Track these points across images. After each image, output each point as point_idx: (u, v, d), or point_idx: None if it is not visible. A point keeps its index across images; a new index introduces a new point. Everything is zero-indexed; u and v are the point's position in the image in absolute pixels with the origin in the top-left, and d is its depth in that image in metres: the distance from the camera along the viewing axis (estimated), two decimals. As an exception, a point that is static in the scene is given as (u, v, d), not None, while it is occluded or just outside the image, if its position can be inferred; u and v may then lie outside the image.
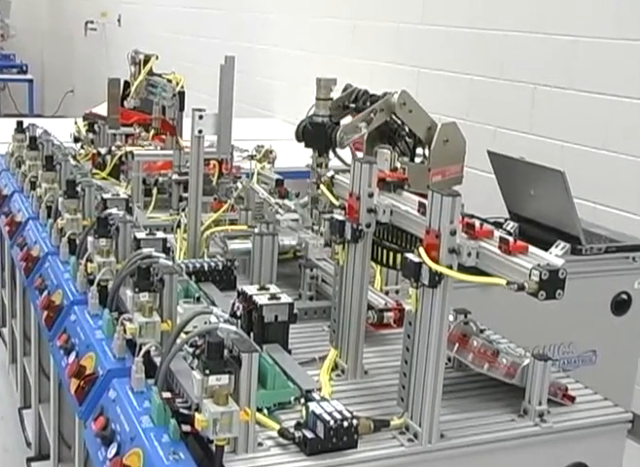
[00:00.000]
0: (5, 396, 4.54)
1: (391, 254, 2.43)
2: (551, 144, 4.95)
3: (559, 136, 4.92)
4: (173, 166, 4.12)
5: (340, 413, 2.05)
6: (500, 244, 2.02)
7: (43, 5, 14.11)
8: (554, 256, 2.01)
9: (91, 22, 12.71)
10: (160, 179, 4.15)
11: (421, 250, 2.05)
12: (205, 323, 2.18)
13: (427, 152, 3.27)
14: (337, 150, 3.29)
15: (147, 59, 4.61)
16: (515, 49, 5.25)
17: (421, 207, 2.22)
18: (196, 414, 1.91)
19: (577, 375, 2.67)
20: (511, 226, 3.92)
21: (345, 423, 2.02)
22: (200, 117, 3.25)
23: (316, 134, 3.23)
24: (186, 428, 2.01)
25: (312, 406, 2.07)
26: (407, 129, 3.35)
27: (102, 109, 5.10)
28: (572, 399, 2.38)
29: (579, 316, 3.69)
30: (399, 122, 3.30)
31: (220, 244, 3.23)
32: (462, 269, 2.03)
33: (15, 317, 4.37)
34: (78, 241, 3.18)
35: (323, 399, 2.18)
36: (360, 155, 3.26)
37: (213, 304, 2.71)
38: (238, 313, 2.51)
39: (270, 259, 2.99)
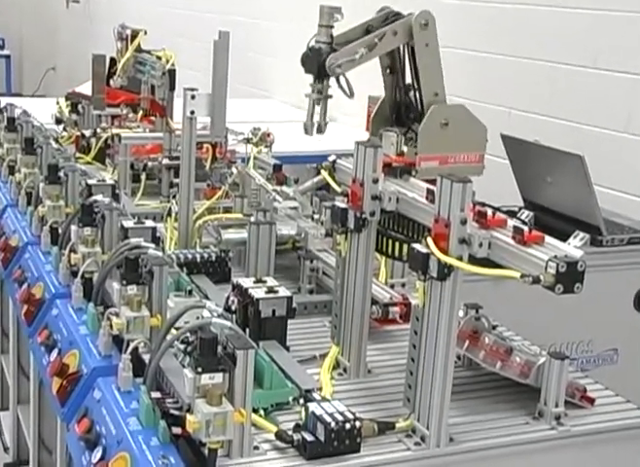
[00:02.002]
0: (-19, 397, 4.55)
1: (397, 244, 2.44)
2: (570, 126, 4.96)
3: (578, 118, 4.93)
4: (163, 150, 4.13)
5: (342, 414, 2.06)
6: (514, 234, 2.03)
7: (21, -25, 14.11)
8: (573, 247, 2.01)
9: (74, -6, 12.71)
10: (150, 164, 4.16)
11: (429, 240, 2.06)
12: (198, 318, 2.19)
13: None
14: (341, 79, 3.31)
15: (135, 35, 4.60)
16: (531, 24, 5.25)
17: (429, 194, 2.23)
18: (188, 416, 1.92)
19: (596, 375, 2.68)
20: (525, 215, 3.93)
21: (347, 425, 2.03)
22: (192, 97, 3.26)
23: (312, 60, 3.27)
24: (176, 430, 2.02)
25: (312, 406, 2.08)
26: (416, 100, 3.35)
27: (86, 88, 5.10)
28: (591, 401, 2.39)
29: (599, 312, 3.70)
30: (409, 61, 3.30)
31: (213, 234, 3.24)
32: (473, 260, 2.04)
33: (-9, 312, 4.38)
34: (60, 230, 3.18)
35: (324, 399, 2.19)
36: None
37: (206, 297, 2.72)
38: (233, 308, 2.52)
39: (267, 249, 3.00)
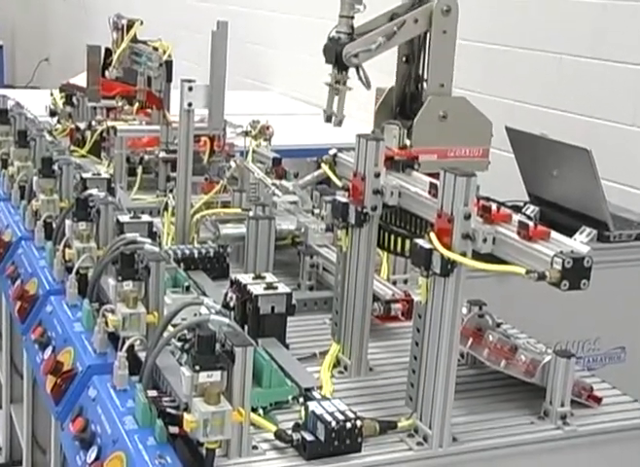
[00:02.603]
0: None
1: (399, 240, 2.44)
2: (577, 119, 4.95)
3: (586, 111, 4.92)
4: (160, 143, 4.13)
5: (343, 413, 2.06)
6: (519, 229, 2.03)
7: (13, -38, 14.08)
8: (579, 243, 2.01)
9: (69, -17, 12.69)
10: (146, 157, 4.16)
11: (432, 235, 2.06)
12: (195, 315, 2.20)
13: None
14: (360, 70, 3.33)
15: (130, 25, 4.60)
16: (537, 14, 5.25)
17: (432, 189, 2.23)
18: (185, 415, 1.93)
19: (603, 374, 2.68)
20: (531, 210, 3.90)
21: (348, 425, 2.04)
22: (190, 88, 3.26)
23: (331, 50, 3.29)
24: (173, 430, 2.02)
25: (312, 405, 2.08)
26: (423, 91, 3.34)
27: (81, 79, 5.11)
28: (598, 400, 2.40)
29: (606, 309, 3.70)
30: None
31: (211, 229, 3.24)
32: (477, 256, 2.04)
33: (-16, 309, 4.38)
34: (55, 225, 3.19)
35: (324, 398, 2.20)
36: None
37: (204, 294, 2.72)
38: (231, 304, 2.52)
39: (267, 245, 3.01)
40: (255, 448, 2.06)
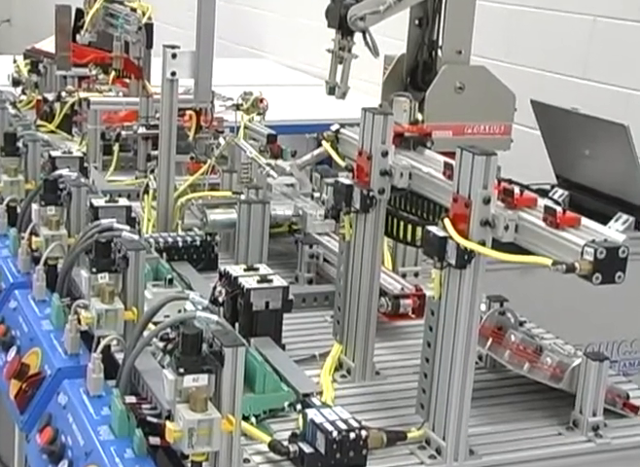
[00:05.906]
0: None
1: (409, 227, 2.45)
2: (613, 91, 4.96)
3: (623, 82, 4.92)
4: (139, 117, 4.13)
5: (346, 422, 2.07)
6: (545, 216, 2.04)
7: None
8: (614, 231, 2.03)
9: None
10: (123, 133, 4.16)
11: (447, 222, 2.07)
12: (179, 311, 2.21)
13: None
14: (367, 35, 3.33)
15: (105, -18, 4.61)
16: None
17: (447, 169, 2.24)
18: (168, 423, 1.93)
19: (641, 379, 2.69)
20: (559, 194, 3.94)
21: (352, 435, 2.05)
22: (173, 55, 3.26)
23: (334, 12, 3.28)
24: (154, 440, 2.04)
25: (311, 413, 2.09)
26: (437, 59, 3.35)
27: (49, 44, 5.11)
28: (635, 409, 2.41)
29: (644, 307, 3.71)
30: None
31: (198, 214, 3.25)
32: (497, 245, 2.06)
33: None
34: (19, 210, 3.20)
35: (324, 405, 2.21)
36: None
37: (189, 287, 2.74)
38: (220, 299, 2.54)
39: (260, 233, 3.01)
40: (246, 461, 2.08)
